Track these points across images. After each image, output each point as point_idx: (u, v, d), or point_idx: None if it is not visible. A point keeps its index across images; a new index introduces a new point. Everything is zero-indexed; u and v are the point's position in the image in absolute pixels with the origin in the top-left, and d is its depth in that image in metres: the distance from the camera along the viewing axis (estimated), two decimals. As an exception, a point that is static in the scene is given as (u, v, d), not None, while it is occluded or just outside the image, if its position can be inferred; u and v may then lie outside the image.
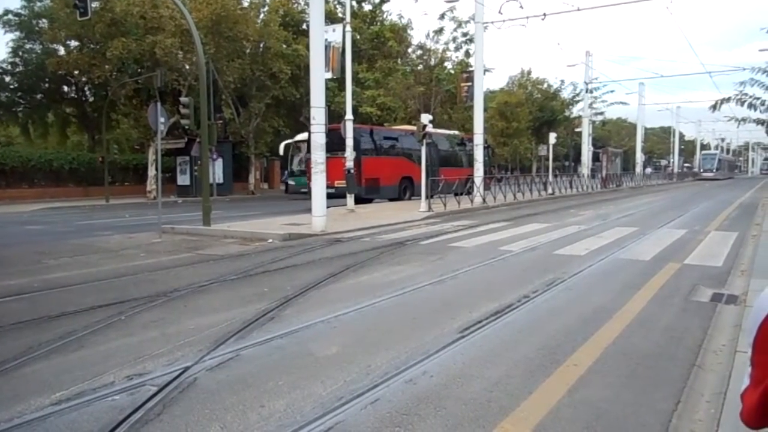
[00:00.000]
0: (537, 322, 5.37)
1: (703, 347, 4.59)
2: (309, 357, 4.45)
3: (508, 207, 20.63)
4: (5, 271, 8.54)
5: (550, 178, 30.23)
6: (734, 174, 78.56)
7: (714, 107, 11.53)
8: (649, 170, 57.72)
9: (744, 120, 12.15)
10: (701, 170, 63.43)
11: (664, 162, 77.21)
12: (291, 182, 26.38)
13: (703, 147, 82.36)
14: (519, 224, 14.13)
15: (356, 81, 29.26)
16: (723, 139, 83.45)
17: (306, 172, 21.71)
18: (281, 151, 27.59)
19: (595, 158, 41.79)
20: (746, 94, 10.73)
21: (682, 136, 78.53)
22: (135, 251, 10.51)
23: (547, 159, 33.48)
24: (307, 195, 18.61)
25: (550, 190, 27.97)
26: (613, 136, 76.17)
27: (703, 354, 4.43)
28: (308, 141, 20.41)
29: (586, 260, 8.68)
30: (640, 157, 49.89)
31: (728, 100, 11.18)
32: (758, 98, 10.84)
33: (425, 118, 17.81)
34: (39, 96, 35.41)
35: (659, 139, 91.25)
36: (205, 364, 4.24)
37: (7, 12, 31.86)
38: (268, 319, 5.48)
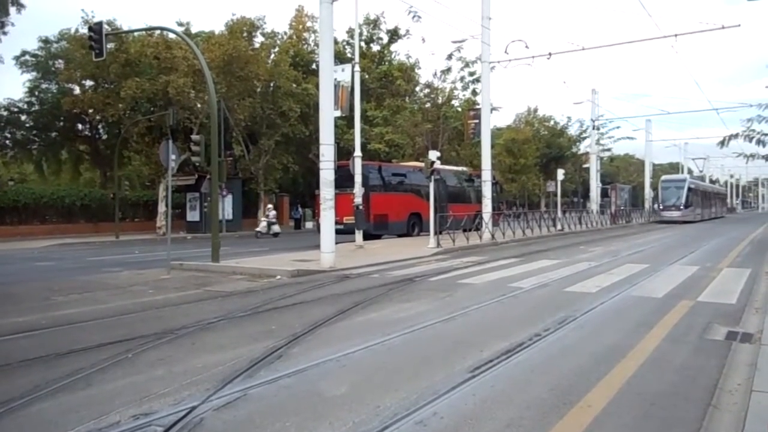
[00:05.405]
0: (549, 362, 5.28)
1: (719, 387, 4.48)
2: (317, 397, 4.39)
3: (518, 243, 20.56)
4: (14, 308, 8.57)
5: (559, 214, 30.20)
6: (723, 211, 59.09)
7: (722, 143, 11.52)
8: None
9: (753, 156, 12.11)
10: (660, 206, 41.38)
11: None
12: None
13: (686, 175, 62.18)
14: (529, 261, 14.05)
15: (365, 118, 29.67)
16: (706, 158, 60.94)
17: None
18: None
19: (604, 194, 41.70)
20: (754, 131, 10.72)
21: (690, 171, 78.18)
22: (143, 288, 10.52)
23: (556, 195, 33.52)
24: None
25: (559, 226, 27.90)
26: (622, 171, 76.35)
27: (719, 394, 4.33)
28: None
29: (598, 297, 8.58)
30: (648, 192, 49.85)
31: (736, 136, 11.18)
32: (767, 134, 10.85)
33: (433, 154, 17.98)
34: (53, 134, 36.15)
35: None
36: (211, 404, 4.19)
37: (24, 53, 32.80)
38: (276, 357, 5.43)
